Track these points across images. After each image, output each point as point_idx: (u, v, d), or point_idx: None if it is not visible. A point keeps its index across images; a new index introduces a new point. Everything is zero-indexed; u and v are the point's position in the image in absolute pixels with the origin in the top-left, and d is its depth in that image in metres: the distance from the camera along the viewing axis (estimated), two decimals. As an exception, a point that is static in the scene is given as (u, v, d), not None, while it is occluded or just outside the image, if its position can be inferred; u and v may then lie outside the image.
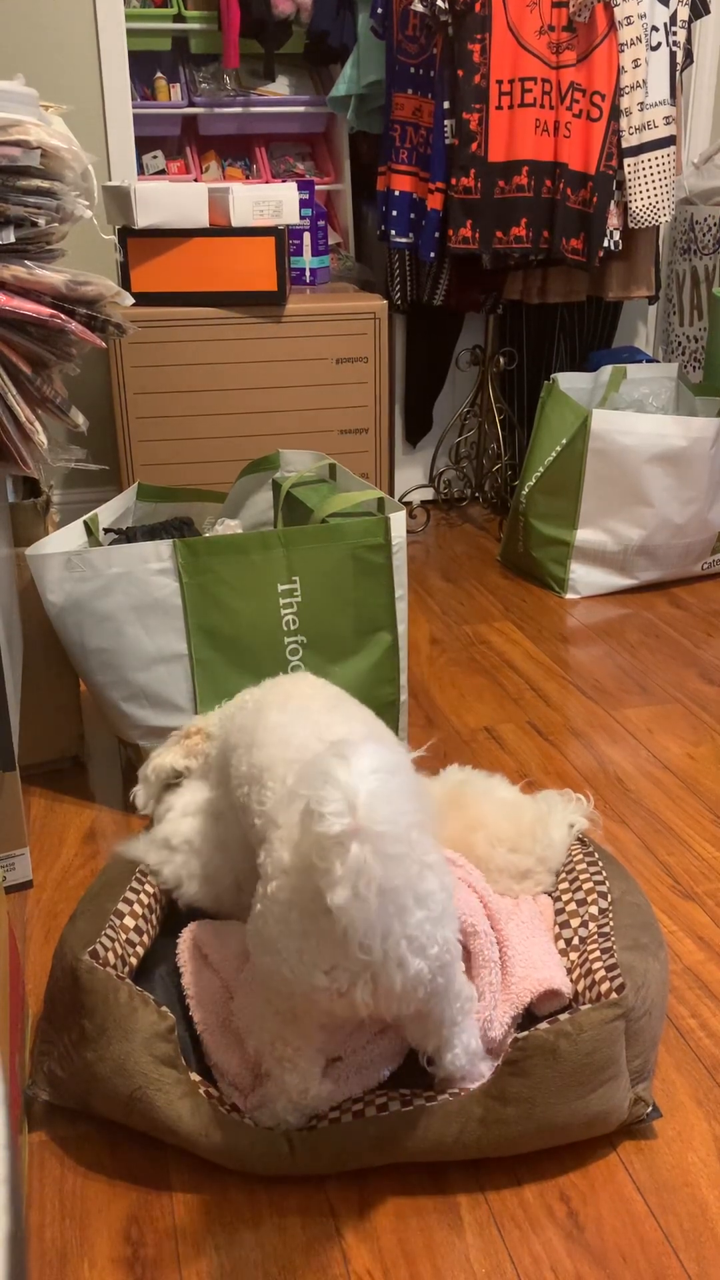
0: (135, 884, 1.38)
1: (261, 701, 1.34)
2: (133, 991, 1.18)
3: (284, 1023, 1.09)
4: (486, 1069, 1.20)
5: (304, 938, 1.00)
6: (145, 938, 1.34)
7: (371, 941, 0.95)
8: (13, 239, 1.39)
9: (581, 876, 1.43)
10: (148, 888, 1.40)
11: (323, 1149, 1.13)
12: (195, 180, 3.29)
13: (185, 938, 1.37)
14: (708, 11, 2.80)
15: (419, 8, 2.58)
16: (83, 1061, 1.17)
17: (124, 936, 1.29)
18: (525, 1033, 1.15)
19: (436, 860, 1.03)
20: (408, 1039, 1.17)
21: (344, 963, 0.99)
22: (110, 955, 1.24)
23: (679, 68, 2.75)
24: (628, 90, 2.66)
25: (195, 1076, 1.19)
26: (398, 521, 1.78)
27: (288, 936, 1.01)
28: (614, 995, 1.18)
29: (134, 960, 1.29)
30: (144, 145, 3.25)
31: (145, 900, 1.37)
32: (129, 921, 1.32)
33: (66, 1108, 1.23)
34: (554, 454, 2.66)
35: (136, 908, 1.35)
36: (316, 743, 1.17)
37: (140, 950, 1.32)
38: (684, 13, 2.71)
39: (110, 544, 1.84)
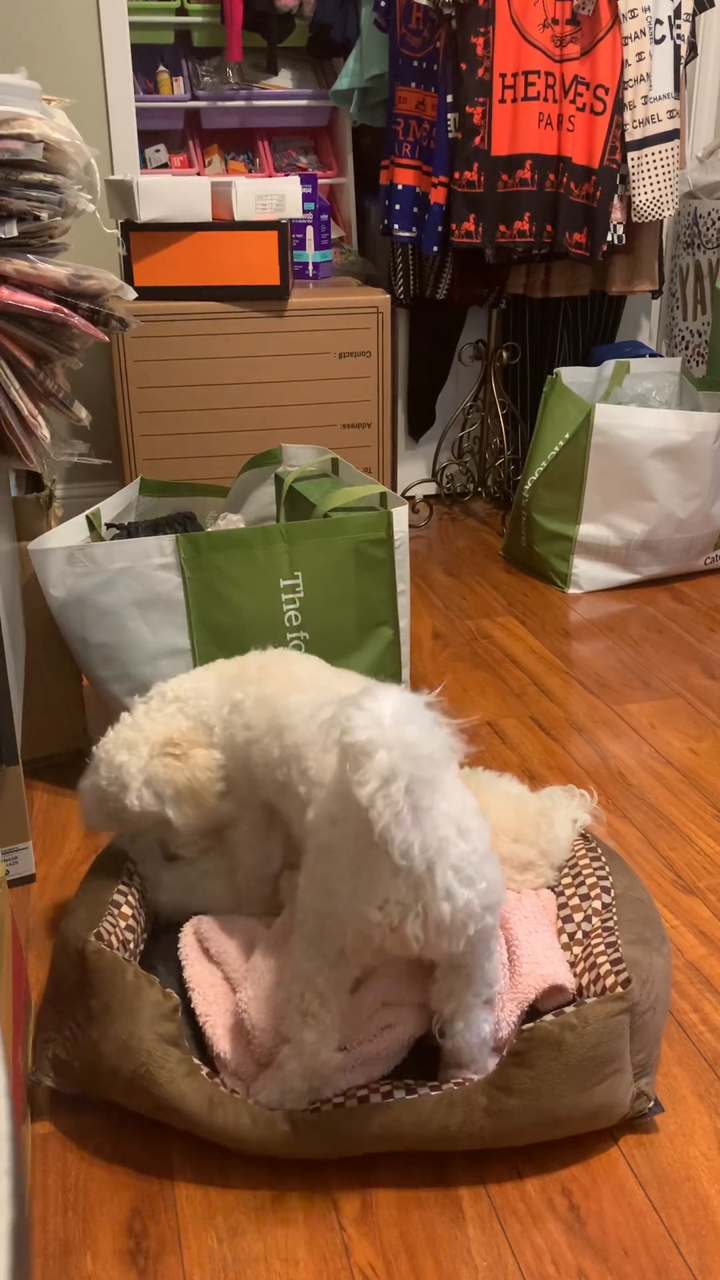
0: (126, 877, 1.40)
1: (265, 694, 1.35)
2: (138, 972, 1.20)
3: (320, 969, 1.12)
4: (492, 1062, 1.21)
5: (355, 875, 1.05)
6: (141, 928, 1.37)
7: (410, 849, 0.99)
8: (15, 233, 1.39)
9: (584, 871, 1.43)
10: (138, 879, 1.42)
11: (326, 1132, 1.13)
12: (198, 174, 3.28)
13: (187, 932, 1.38)
14: (712, 5, 2.79)
15: (422, 0, 2.57)
16: (87, 1041, 1.19)
17: (123, 924, 1.31)
18: (531, 1024, 1.15)
19: (475, 804, 1.09)
20: (432, 994, 1.18)
21: (395, 895, 1.04)
22: (113, 939, 1.26)
23: (683, 61, 2.74)
24: (631, 84, 2.66)
25: (197, 1062, 1.20)
26: (400, 516, 1.78)
27: (340, 878, 1.07)
28: (619, 989, 1.18)
29: (133, 946, 1.31)
30: (146, 139, 3.24)
31: (138, 891, 1.40)
32: (126, 910, 1.34)
33: (70, 1101, 1.24)
34: (557, 449, 2.66)
35: (131, 898, 1.37)
36: None
37: (140, 937, 1.35)
38: (688, 5, 2.71)
39: (113, 539, 1.84)
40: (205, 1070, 1.19)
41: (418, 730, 0.97)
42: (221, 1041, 1.24)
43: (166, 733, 1.38)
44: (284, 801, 1.28)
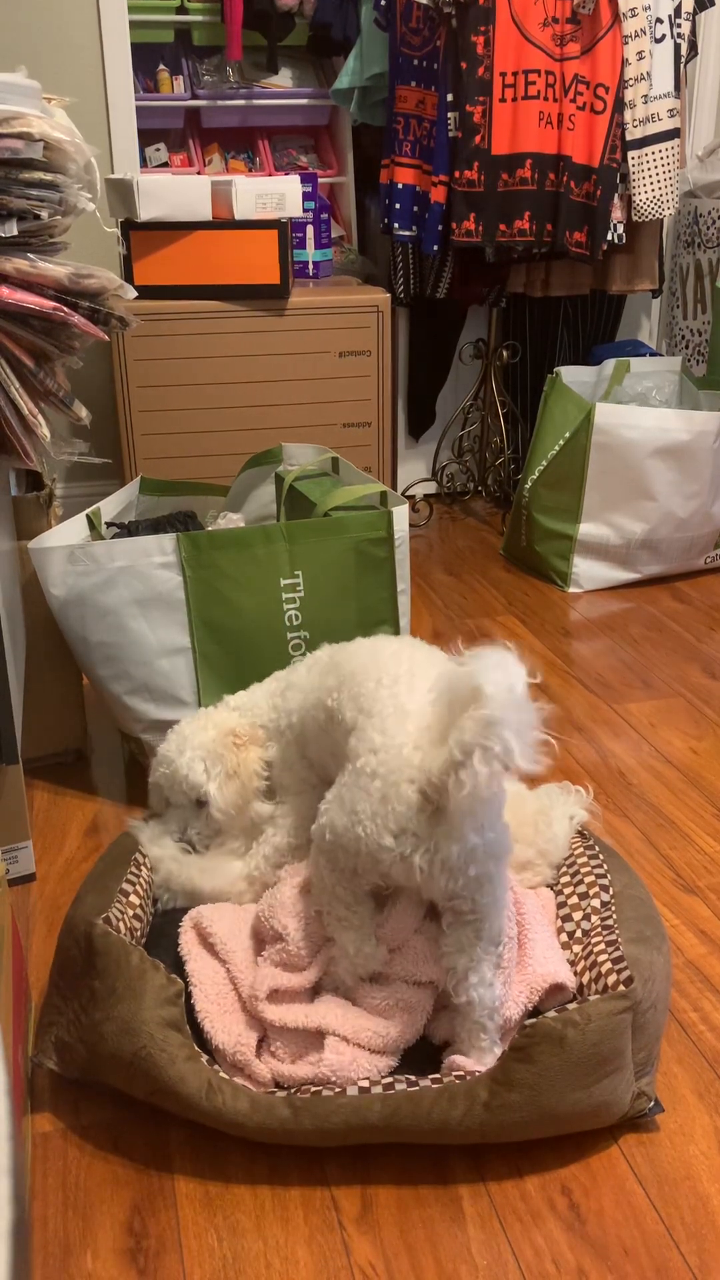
0: (135, 868, 1.42)
1: (330, 656, 1.48)
2: (143, 956, 1.22)
3: (339, 881, 1.22)
4: (498, 1047, 1.21)
5: (382, 802, 1.15)
6: (147, 917, 1.39)
7: (477, 801, 1.08)
8: (15, 232, 1.39)
9: (583, 870, 1.43)
10: (145, 870, 1.44)
11: (324, 1120, 1.13)
12: (198, 173, 3.28)
13: (187, 927, 1.38)
14: (713, 4, 2.79)
15: None
16: (90, 1022, 1.20)
17: (130, 912, 1.33)
18: (533, 1020, 1.15)
19: None
20: (444, 949, 1.20)
21: (412, 827, 1.13)
22: (121, 926, 1.27)
23: (683, 60, 2.74)
24: (632, 83, 2.66)
25: (197, 1048, 1.20)
26: (400, 515, 1.78)
27: (366, 801, 1.16)
28: (622, 988, 1.18)
29: (139, 935, 1.33)
30: (147, 138, 3.24)
31: (145, 881, 1.41)
32: (134, 899, 1.35)
33: (70, 1100, 1.24)
34: (557, 448, 2.66)
35: (139, 887, 1.39)
36: (408, 654, 1.32)
37: (145, 927, 1.37)
38: (688, 4, 2.71)
39: (113, 538, 1.84)
40: (205, 1058, 1.19)
41: (532, 720, 1.05)
42: (219, 1033, 1.24)
43: (227, 723, 1.53)
44: (328, 734, 1.36)
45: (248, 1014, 1.27)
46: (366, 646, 1.39)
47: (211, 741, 1.51)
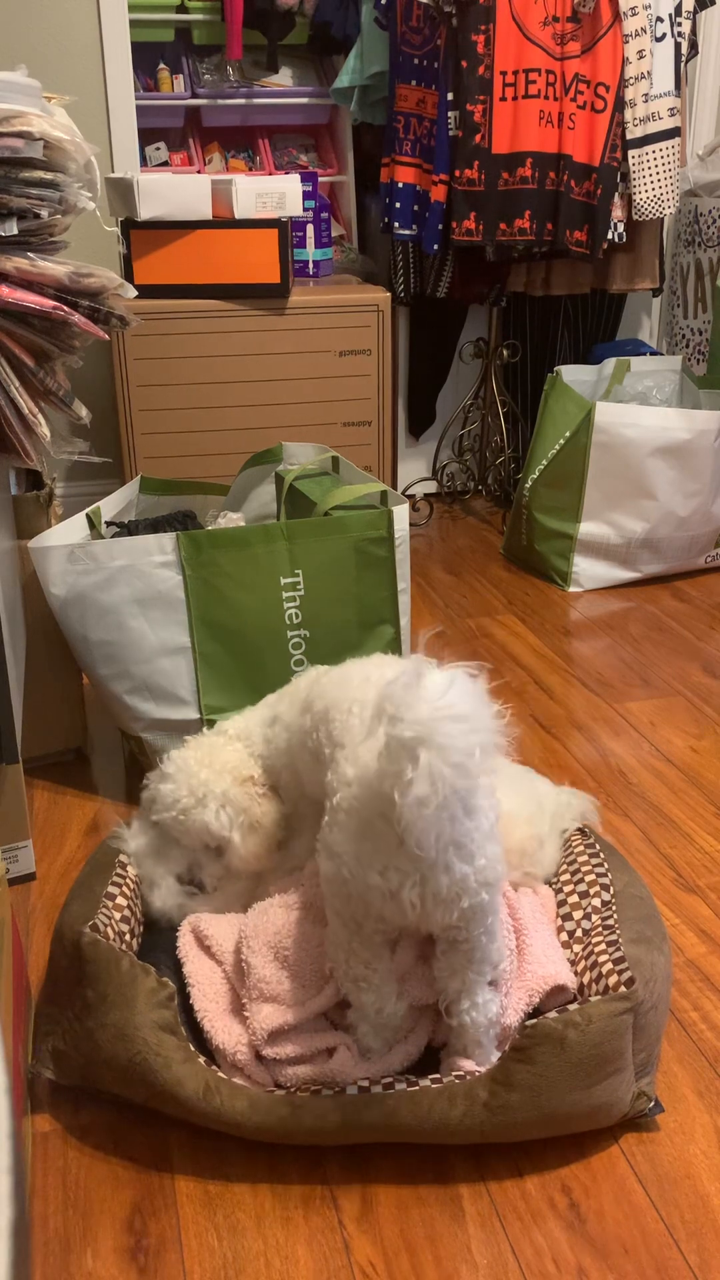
0: (120, 869, 1.41)
1: (297, 685, 1.45)
2: (133, 961, 1.21)
3: (353, 935, 1.15)
4: (497, 1052, 1.21)
5: (360, 840, 1.08)
6: (136, 919, 1.38)
7: (426, 842, 1.02)
8: (15, 231, 1.39)
9: (584, 868, 1.43)
10: (132, 871, 1.44)
11: (323, 1119, 1.13)
12: (198, 172, 3.28)
13: (185, 930, 1.38)
14: (713, 2, 2.78)
15: (423, -2, 2.57)
16: (84, 1030, 1.20)
17: (118, 915, 1.32)
18: (533, 1020, 1.15)
19: (488, 783, 1.09)
20: (436, 971, 1.18)
21: (395, 862, 1.06)
22: (109, 931, 1.27)
23: (684, 59, 2.74)
24: (632, 81, 2.66)
25: (193, 1049, 1.20)
26: (400, 514, 1.78)
27: (347, 840, 1.09)
28: (624, 989, 1.18)
29: (129, 938, 1.33)
30: (147, 137, 3.24)
31: (131, 884, 1.41)
32: (121, 901, 1.35)
33: (70, 1099, 1.24)
34: (557, 447, 2.66)
35: (125, 888, 1.38)
36: (376, 677, 1.25)
37: (135, 929, 1.36)
38: (689, 3, 2.70)
39: (113, 537, 1.84)
40: (202, 1059, 1.19)
41: (459, 727, 0.96)
42: (220, 1033, 1.24)
43: (242, 767, 1.45)
44: (316, 773, 1.30)
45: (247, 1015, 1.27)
46: (335, 678, 1.33)
47: (230, 789, 1.42)
